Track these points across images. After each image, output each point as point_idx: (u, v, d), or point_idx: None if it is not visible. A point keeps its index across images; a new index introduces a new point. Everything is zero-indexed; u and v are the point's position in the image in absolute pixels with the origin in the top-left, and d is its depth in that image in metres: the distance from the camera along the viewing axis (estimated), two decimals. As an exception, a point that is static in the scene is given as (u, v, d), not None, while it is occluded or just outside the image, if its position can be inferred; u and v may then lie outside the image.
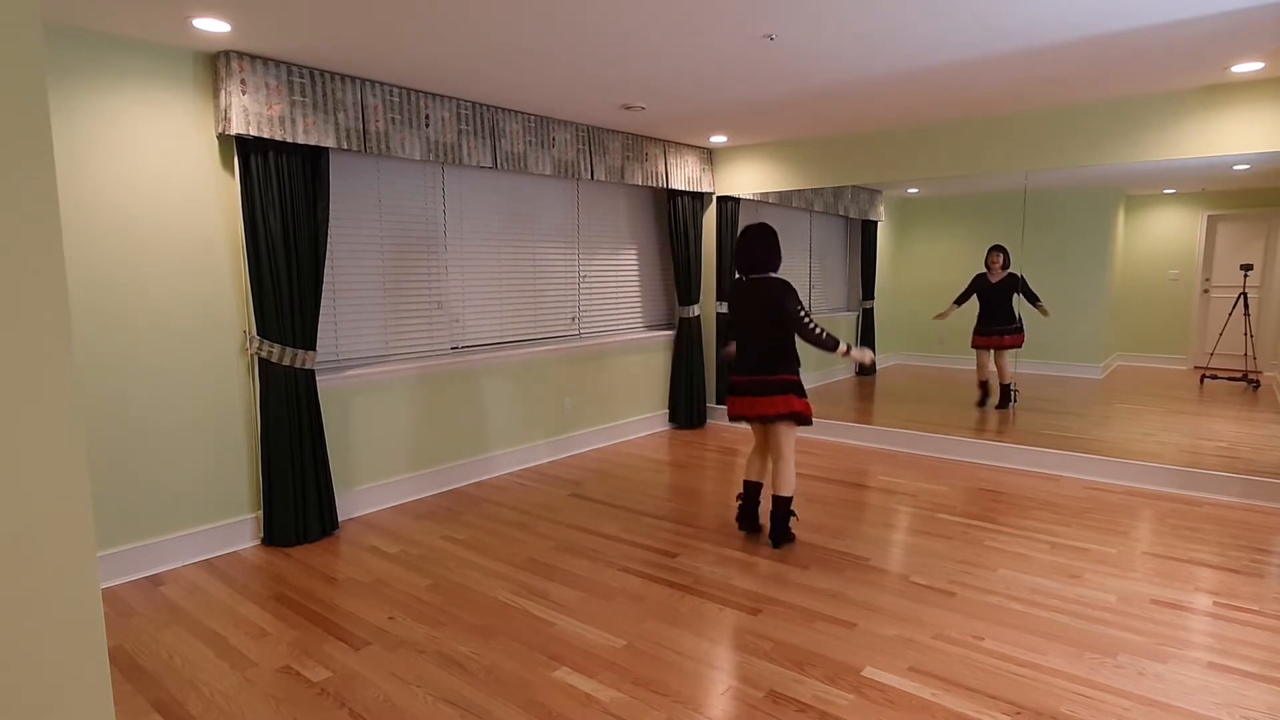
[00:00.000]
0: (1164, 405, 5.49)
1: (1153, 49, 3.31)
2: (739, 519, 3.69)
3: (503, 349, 4.79)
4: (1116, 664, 2.47)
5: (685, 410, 6.06)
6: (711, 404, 6.31)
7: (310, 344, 3.58)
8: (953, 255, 5.99)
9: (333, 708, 2.28)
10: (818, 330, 3.39)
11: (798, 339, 3.48)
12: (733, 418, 3.57)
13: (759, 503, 3.68)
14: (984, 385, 5.76)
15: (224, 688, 2.40)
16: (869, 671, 2.45)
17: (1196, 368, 5.50)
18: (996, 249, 5.51)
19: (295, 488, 3.57)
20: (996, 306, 5.57)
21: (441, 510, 4.09)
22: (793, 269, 6.78)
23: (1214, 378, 5.43)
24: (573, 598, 3.01)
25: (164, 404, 3.29)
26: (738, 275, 3.62)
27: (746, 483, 3.68)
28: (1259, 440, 4.81)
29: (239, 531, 3.57)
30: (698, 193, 5.95)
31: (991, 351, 5.65)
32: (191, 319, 3.35)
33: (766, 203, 6.29)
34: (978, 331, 5.68)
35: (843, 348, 3.40)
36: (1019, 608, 2.88)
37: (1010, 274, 5.49)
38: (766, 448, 3.64)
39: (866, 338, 6.63)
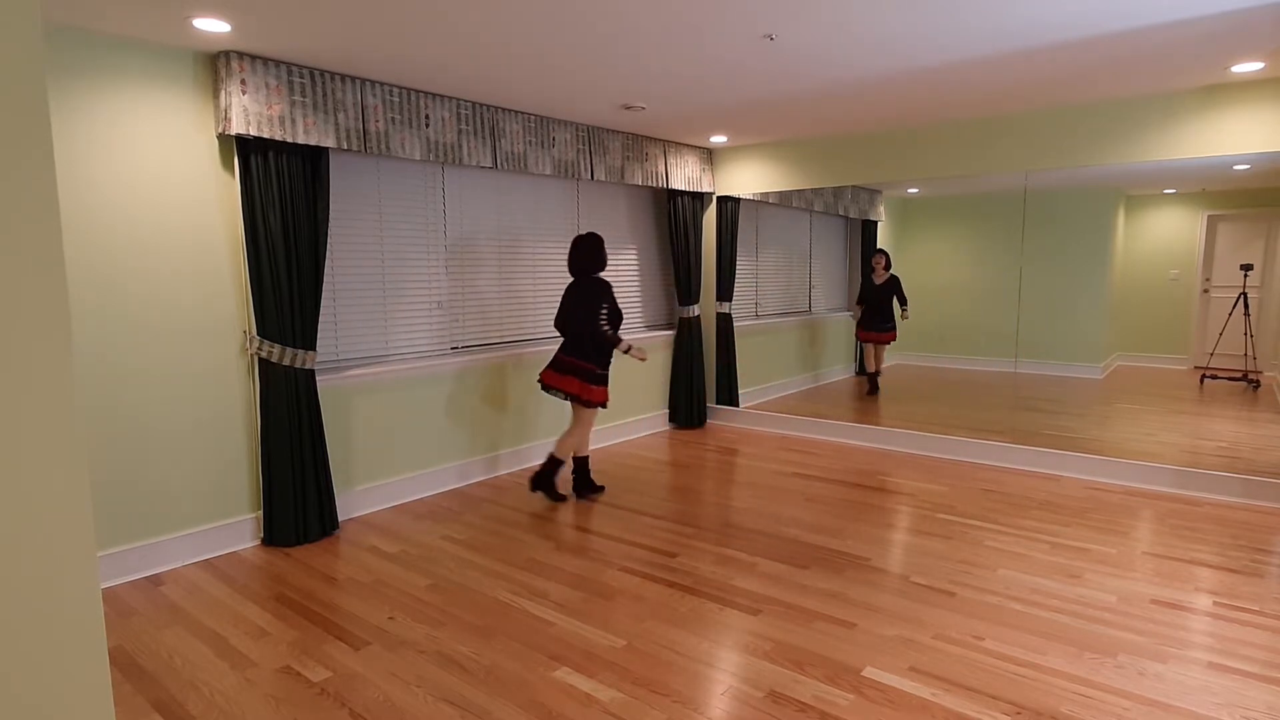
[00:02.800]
0: (1164, 405, 5.50)
1: (1153, 49, 3.31)
2: (532, 480, 4.21)
3: (503, 349, 4.79)
4: (1116, 664, 2.47)
5: (685, 410, 6.07)
6: (712, 404, 6.32)
7: (310, 344, 3.58)
8: (953, 255, 6.00)
9: (333, 708, 2.28)
10: (605, 328, 4.00)
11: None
12: (541, 384, 4.11)
13: (555, 472, 4.21)
14: (873, 376, 6.42)
15: (224, 688, 2.40)
16: (869, 671, 2.45)
17: (1196, 368, 5.50)
18: (879, 253, 6.18)
19: (295, 488, 3.57)
20: (877, 306, 6.22)
21: (441, 510, 4.09)
22: (793, 269, 6.78)
23: (1214, 378, 5.44)
24: (573, 598, 3.01)
25: (164, 404, 3.29)
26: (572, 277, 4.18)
27: (550, 455, 4.21)
28: (1259, 440, 4.82)
29: (239, 531, 3.57)
30: (698, 193, 5.95)
31: (872, 346, 6.35)
32: (192, 319, 3.36)
33: (766, 203, 6.30)
34: (862, 326, 6.35)
35: (623, 346, 4.05)
36: (1019, 608, 2.88)
37: (891, 276, 6.13)
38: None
39: (866, 338, 6.65)
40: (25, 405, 1.07)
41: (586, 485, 4.30)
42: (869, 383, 6.43)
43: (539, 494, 4.32)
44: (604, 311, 3.99)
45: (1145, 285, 5.60)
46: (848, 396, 6.58)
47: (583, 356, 4.04)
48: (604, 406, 4.12)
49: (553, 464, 4.18)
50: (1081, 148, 4.41)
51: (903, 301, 6.12)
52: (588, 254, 4.08)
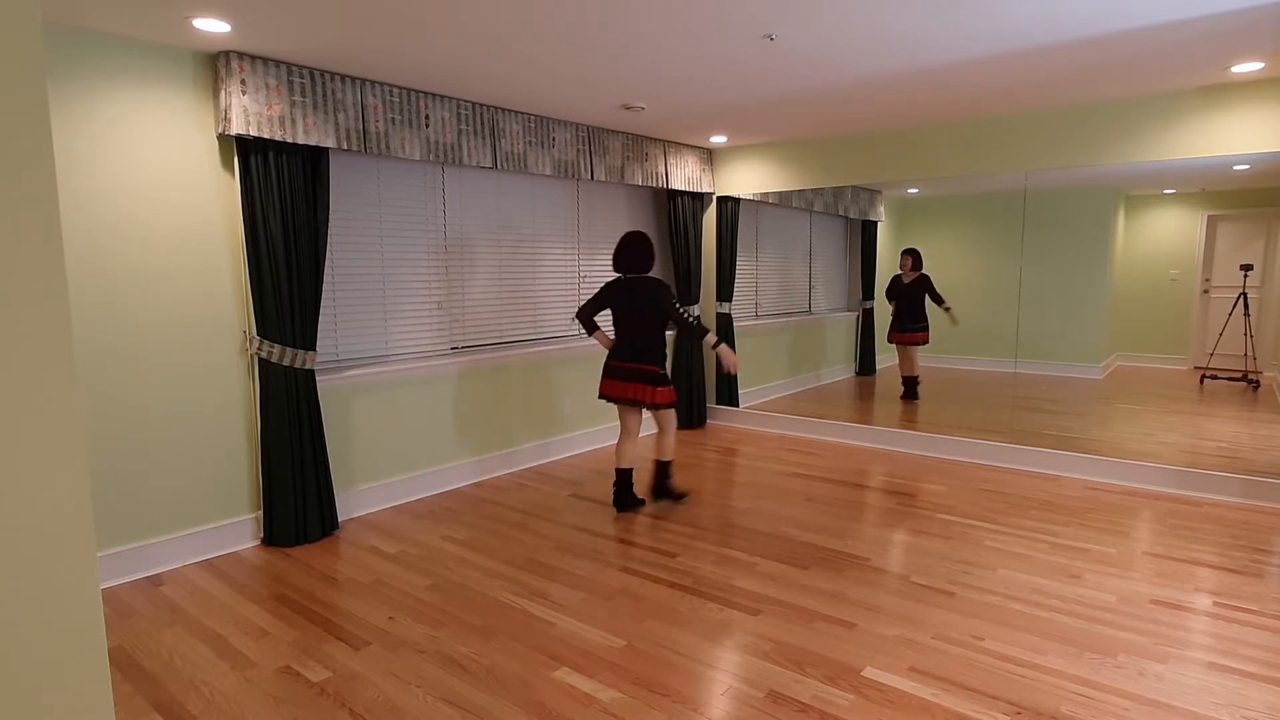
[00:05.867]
0: (1164, 405, 5.49)
1: (1153, 49, 3.31)
2: (616, 503, 4.06)
3: (503, 349, 4.79)
4: (1116, 664, 2.47)
5: (685, 411, 6.06)
6: (712, 404, 6.31)
7: (310, 344, 3.58)
8: (953, 255, 5.99)
9: (333, 708, 2.28)
10: (689, 318, 3.83)
11: (671, 329, 4.00)
12: (606, 398, 3.99)
13: (632, 484, 4.09)
14: (908, 381, 6.19)
15: (224, 688, 2.40)
16: (869, 671, 2.45)
17: (1196, 368, 5.49)
18: (907, 252, 5.98)
19: (295, 488, 3.57)
20: (907, 306, 6.03)
21: (441, 510, 4.09)
22: (793, 269, 6.78)
23: (1214, 378, 5.43)
24: (573, 598, 3.01)
25: (164, 404, 3.29)
26: (616, 275, 4.07)
27: (619, 470, 4.05)
28: (1259, 440, 4.81)
29: (239, 531, 3.57)
30: (698, 193, 5.95)
31: (903, 348, 6.12)
32: (192, 319, 3.36)
33: (766, 203, 6.29)
34: (892, 328, 6.14)
35: (710, 338, 3.84)
36: (1019, 608, 2.88)
37: (920, 275, 5.95)
38: (634, 432, 4.08)
39: (866, 338, 6.64)
40: (26, 405, 1.07)
41: (667, 490, 4.16)
42: (904, 387, 6.16)
43: (664, 500, 4.19)
44: (676, 305, 3.86)
45: (1145, 285, 5.59)
46: (848, 396, 6.58)
47: (646, 360, 3.89)
48: (673, 406, 3.96)
49: (664, 468, 4.11)
50: (1081, 148, 4.41)
51: (938, 300, 5.87)
52: (643, 252, 3.92)
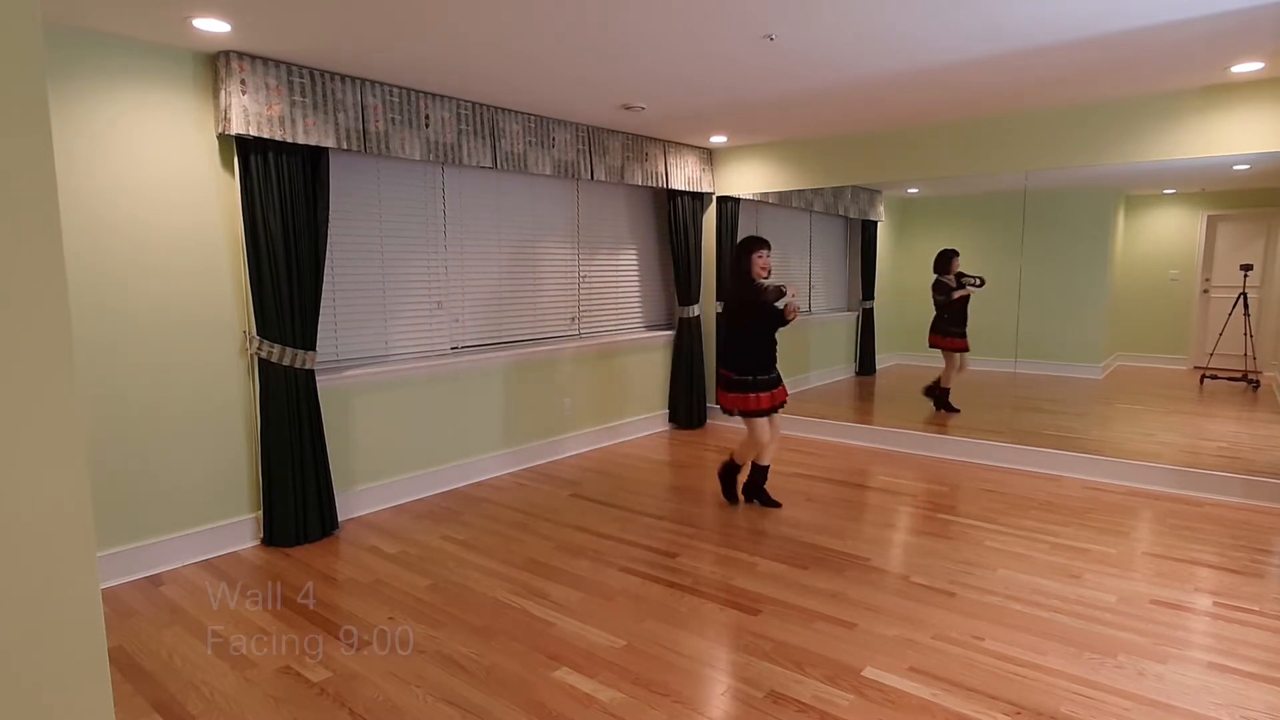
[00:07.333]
0: (1164, 405, 5.49)
1: (1153, 49, 3.31)
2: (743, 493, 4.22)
3: (503, 349, 4.79)
4: (1116, 664, 2.47)
5: (685, 410, 6.06)
6: (711, 404, 6.31)
7: (310, 344, 3.58)
8: (953, 255, 5.98)
9: (333, 708, 2.28)
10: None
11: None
12: (759, 412, 3.95)
13: (761, 481, 4.17)
14: (946, 390, 5.87)
15: (224, 688, 2.40)
16: (869, 671, 2.45)
17: (1196, 368, 5.49)
18: (956, 253, 5.59)
19: (295, 488, 3.57)
20: (958, 307, 5.67)
21: (441, 510, 4.09)
22: (792, 269, 6.77)
23: (1214, 378, 5.43)
24: (573, 598, 3.01)
25: (164, 404, 3.29)
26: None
27: (753, 464, 4.13)
28: (1259, 440, 4.81)
29: (239, 531, 3.57)
30: (698, 193, 5.95)
31: (951, 354, 5.76)
32: (192, 319, 3.35)
33: (766, 203, 6.29)
34: (941, 333, 5.73)
35: (775, 299, 3.85)
36: (1019, 608, 2.88)
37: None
38: (764, 430, 4.02)
39: (866, 338, 6.64)
40: (26, 405, 1.06)
41: (729, 489, 4.22)
42: (942, 398, 5.76)
43: (754, 502, 4.19)
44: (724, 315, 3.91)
45: (1145, 285, 5.59)
46: (848, 396, 6.58)
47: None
48: (731, 413, 3.97)
49: (752, 472, 4.14)
50: (1081, 148, 4.41)
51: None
52: (731, 259, 3.99)
